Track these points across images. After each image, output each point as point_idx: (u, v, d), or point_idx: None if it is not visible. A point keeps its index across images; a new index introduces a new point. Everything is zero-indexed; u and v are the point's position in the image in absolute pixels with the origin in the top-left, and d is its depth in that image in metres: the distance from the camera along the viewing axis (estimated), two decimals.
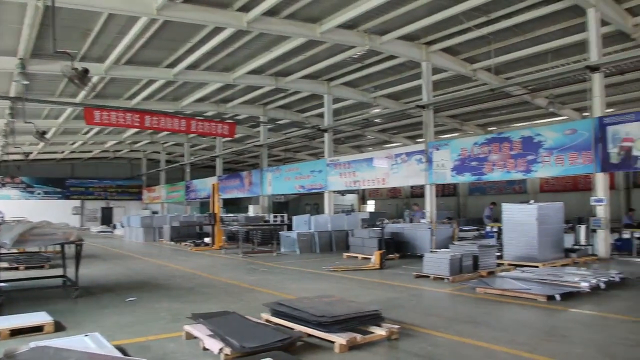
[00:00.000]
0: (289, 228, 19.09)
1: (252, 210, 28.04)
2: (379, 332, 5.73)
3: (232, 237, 20.04)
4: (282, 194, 31.60)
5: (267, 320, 6.34)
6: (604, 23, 13.93)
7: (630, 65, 15.55)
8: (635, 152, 12.76)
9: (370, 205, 41.35)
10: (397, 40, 16.41)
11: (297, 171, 25.16)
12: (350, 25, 15.29)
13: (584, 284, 8.33)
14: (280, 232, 18.07)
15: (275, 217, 24.85)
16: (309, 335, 5.68)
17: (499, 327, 6.44)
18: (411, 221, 20.70)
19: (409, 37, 16.60)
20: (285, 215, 25.28)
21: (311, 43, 16.47)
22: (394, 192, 39.35)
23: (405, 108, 21.67)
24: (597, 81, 13.75)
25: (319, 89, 21.95)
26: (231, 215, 25.94)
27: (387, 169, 19.70)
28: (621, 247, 14.59)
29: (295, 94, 23.50)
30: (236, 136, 25.39)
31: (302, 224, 18.07)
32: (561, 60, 17.34)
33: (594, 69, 13.65)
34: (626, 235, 14.94)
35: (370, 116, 24.58)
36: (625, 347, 5.46)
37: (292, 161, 35.85)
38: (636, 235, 14.56)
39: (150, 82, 20.36)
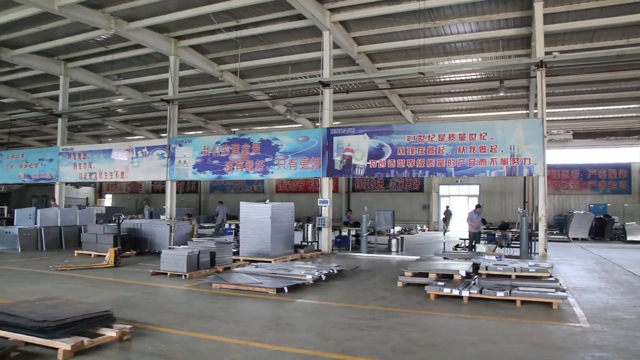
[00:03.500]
0: (10, 223, 16.87)
1: None
2: (110, 333, 5.50)
3: None
4: (3, 184, 27.77)
5: None
6: (335, 46, 15.77)
7: (354, 86, 18.01)
8: (354, 161, 14.78)
9: (108, 200, 39.06)
10: (145, 29, 15.91)
11: (23, 158, 22.43)
12: (95, 4, 14.28)
13: (309, 277, 9.33)
14: None
15: None
16: (28, 344, 5.16)
17: (231, 320, 6.77)
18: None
19: (158, 29, 16.23)
20: (6, 207, 22.31)
21: (48, 16, 14.82)
22: (134, 187, 37.91)
23: (150, 100, 21.12)
24: (327, 96, 15.50)
25: (53, 69, 19.85)
26: None
27: (127, 162, 18.89)
28: (341, 243, 16.66)
29: (25, 71, 20.74)
30: None
31: (26, 218, 16.23)
32: (300, 73, 19.00)
33: (325, 84, 15.38)
34: (345, 233, 17.14)
35: (112, 105, 23.22)
36: (339, 330, 6.31)
37: (18, 147, 31.61)
38: (352, 233, 16.79)
39: None
